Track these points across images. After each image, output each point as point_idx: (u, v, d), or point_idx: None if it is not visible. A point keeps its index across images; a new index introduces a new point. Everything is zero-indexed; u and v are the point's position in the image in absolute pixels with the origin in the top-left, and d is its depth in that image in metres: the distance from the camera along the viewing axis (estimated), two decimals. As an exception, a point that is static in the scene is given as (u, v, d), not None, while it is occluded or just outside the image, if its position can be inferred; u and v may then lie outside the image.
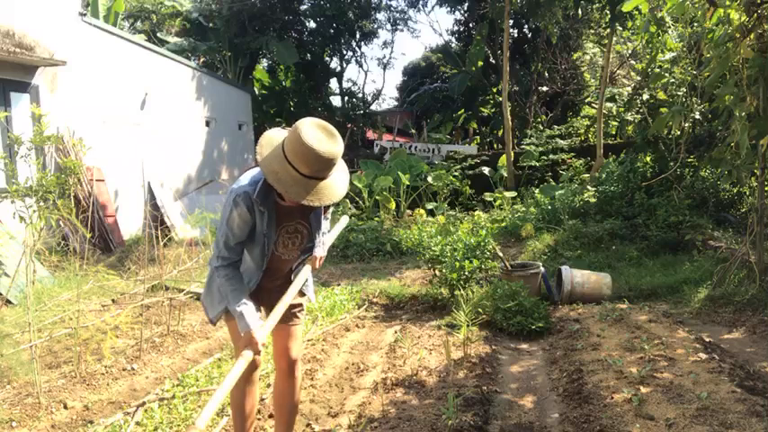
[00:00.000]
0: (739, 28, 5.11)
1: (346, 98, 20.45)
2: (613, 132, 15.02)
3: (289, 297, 2.59)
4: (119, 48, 10.30)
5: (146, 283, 5.58)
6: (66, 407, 3.64)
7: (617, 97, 13.28)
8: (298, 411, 2.99)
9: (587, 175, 11.77)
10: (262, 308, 2.84)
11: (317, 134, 2.34)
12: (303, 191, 2.34)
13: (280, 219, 2.59)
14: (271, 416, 3.52)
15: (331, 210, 2.93)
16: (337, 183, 2.45)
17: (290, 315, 2.77)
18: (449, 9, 18.41)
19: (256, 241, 2.57)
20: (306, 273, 2.75)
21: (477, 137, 19.66)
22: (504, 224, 10.18)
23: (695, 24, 7.17)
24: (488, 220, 10.60)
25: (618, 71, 14.18)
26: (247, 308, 2.49)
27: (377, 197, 12.05)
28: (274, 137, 2.48)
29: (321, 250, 2.81)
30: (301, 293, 2.85)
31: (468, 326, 4.49)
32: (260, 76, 18.90)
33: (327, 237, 2.91)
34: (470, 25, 18.45)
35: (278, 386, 2.88)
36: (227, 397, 3.52)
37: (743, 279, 5.79)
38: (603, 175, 10.34)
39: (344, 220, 3.32)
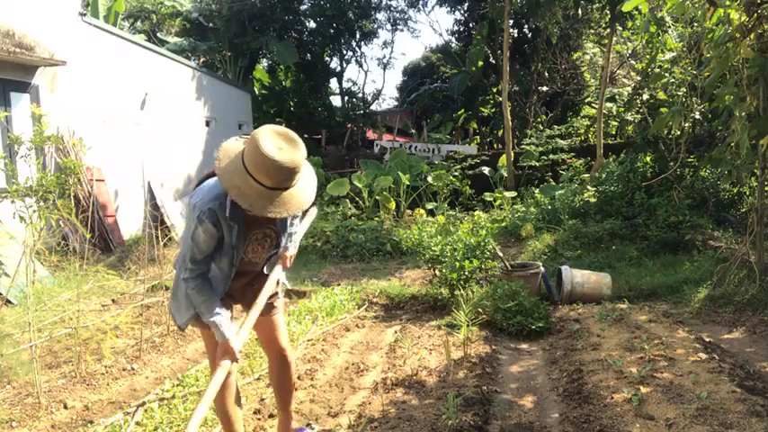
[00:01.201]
0: (739, 28, 5.10)
1: (346, 98, 20.47)
2: (613, 132, 15.02)
3: (261, 301, 2.54)
4: (119, 48, 10.30)
5: (146, 283, 5.58)
6: (66, 407, 3.64)
7: (617, 97, 13.28)
8: (294, 394, 3.09)
9: (587, 175, 11.77)
10: (237, 305, 2.85)
11: (277, 143, 2.24)
12: (268, 203, 2.24)
13: (249, 229, 2.52)
14: (271, 416, 3.53)
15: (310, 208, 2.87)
16: (303, 190, 2.36)
17: (268, 307, 2.72)
18: (449, 9, 18.42)
19: (224, 252, 2.49)
20: (277, 273, 2.68)
21: (477, 137, 19.66)
22: (504, 224, 10.18)
23: (695, 24, 7.17)
24: (488, 220, 10.59)
25: (618, 71, 14.18)
26: (221, 318, 2.43)
27: (377, 197, 12.05)
28: (233, 147, 2.35)
29: (292, 248, 2.76)
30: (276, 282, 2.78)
31: (468, 326, 4.49)
32: (260, 76, 18.91)
33: (297, 234, 2.84)
34: (470, 25, 18.45)
35: (271, 374, 2.99)
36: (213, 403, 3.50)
37: (743, 279, 5.79)
38: (603, 175, 10.34)
39: (313, 213, 3.17)
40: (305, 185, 2.38)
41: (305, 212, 3.06)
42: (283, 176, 2.23)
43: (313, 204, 2.70)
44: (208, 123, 13.41)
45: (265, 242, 2.63)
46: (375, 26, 19.69)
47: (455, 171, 13.03)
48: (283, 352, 2.85)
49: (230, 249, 2.48)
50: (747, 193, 8.70)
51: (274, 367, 2.92)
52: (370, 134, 20.78)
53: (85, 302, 5.61)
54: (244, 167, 2.24)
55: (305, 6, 18.17)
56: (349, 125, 19.08)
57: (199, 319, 2.58)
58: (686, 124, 7.94)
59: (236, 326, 2.51)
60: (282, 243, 2.72)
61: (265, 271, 2.73)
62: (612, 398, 3.46)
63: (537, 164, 13.10)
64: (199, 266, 2.47)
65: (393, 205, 11.84)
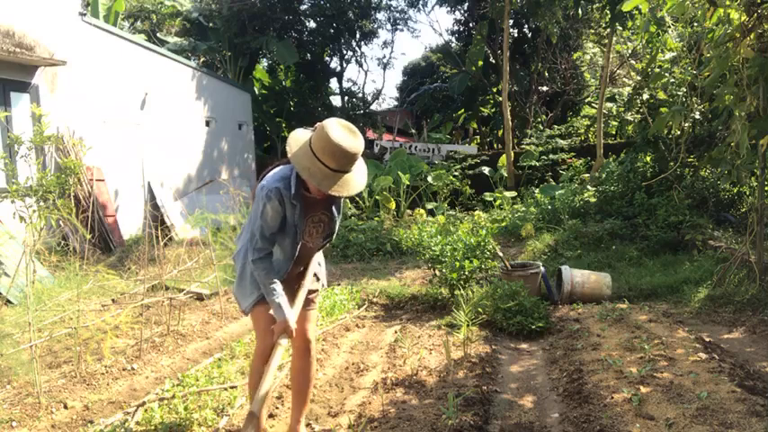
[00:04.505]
0: (739, 28, 5.10)
1: (346, 98, 20.45)
2: (613, 132, 15.02)
3: (308, 282, 2.94)
4: (119, 48, 10.30)
5: (146, 283, 5.58)
6: (66, 407, 3.64)
7: (617, 97, 13.29)
8: (312, 386, 3.24)
9: (587, 174, 11.78)
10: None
11: (342, 132, 2.61)
12: (332, 183, 2.61)
13: (307, 210, 2.87)
14: (271, 415, 3.53)
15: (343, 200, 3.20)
16: (358, 175, 2.74)
17: (307, 301, 3.04)
18: (449, 9, 18.42)
19: (287, 232, 2.83)
20: (315, 261, 3.05)
21: (477, 137, 19.67)
22: (504, 224, 10.18)
23: (695, 24, 7.16)
24: (488, 219, 10.59)
25: (618, 71, 14.18)
26: (284, 299, 2.77)
27: (377, 197, 12.05)
28: (300, 137, 2.76)
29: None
30: (316, 278, 3.15)
31: (468, 326, 4.49)
32: (260, 76, 18.90)
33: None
34: (470, 25, 18.45)
35: (295, 364, 3.17)
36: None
37: (743, 279, 5.79)
38: (603, 175, 10.34)
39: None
40: (360, 171, 2.77)
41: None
42: (346, 161, 2.60)
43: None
44: (208, 123, 13.41)
45: (320, 226, 2.97)
46: (375, 26, 19.68)
47: (455, 171, 13.03)
48: (309, 344, 3.12)
49: (293, 228, 2.82)
50: (747, 193, 8.70)
51: (299, 356, 3.15)
52: (370, 134, 20.77)
53: (85, 302, 5.61)
54: (312, 152, 2.61)
55: (305, 6, 18.16)
56: (349, 125, 19.04)
57: (259, 303, 2.91)
58: (686, 124, 7.93)
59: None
60: (333, 230, 3.04)
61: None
62: (612, 398, 3.46)
63: (537, 164, 13.10)
64: (266, 245, 2.79)
65: (393, 205, 11.84)
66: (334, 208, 2.97)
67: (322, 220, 2.96)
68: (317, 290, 3.19)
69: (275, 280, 2.78)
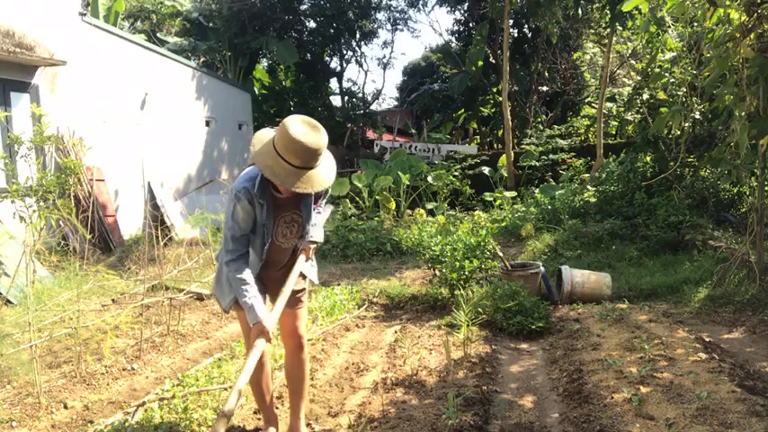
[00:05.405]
0: (739, 28, 5.10)
1: (346, 98, 20.46)
2: (613, 132, 15.03)
3: (289, 285, 2.84)
4: (119, 48, 10.30)
5: (146, 282, 5.58)
6: (66, 407, 3.64)
7: (617, 97, 13.29)
8: (308, 383, 3.28)
9: (587, 174, 11.78)
10: (267, 295, 3.08)
11: (303, 128, 2.59)
12: (295, 180, 2.58)
13: (277, 210, 2.84)
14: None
15: (324, 201, 3.19)
16: (325, 171, 2.70)
17: (295, 300, 3.04)
18: (449, 9, 18.44)
19: (257, 232, 2.81)
20: (301, 261, 2.99)
21: (477, 137, 19.67)
22: (504, 224, 10.18)
23: (695, 24, 7.16)
24: (488, 219, 10.59)
25: (618, 71, 14.18)
26: (256, 300, 2.70)
27: (377, 197, 12.05)
28: (265, 135, 2.74)
29: (317, 235, 3.07)
30: (303, 277, 3.10)
31: (468, 326, 4.49)
32: (260, 76, 18.91)
33: (317, 226, 3.13)
34: (470, 25, 18.46)
35: (289, 363, 3.19)
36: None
37: (743, 279, 5.79)
38: (603, 175, 10.34)
39: (329, 208, 3.48)
40: (326, 167, 2.73)
41: (323, 197, 3.31)
42: (308, 157, 2.56)
43: (328, 202, 3.08)
44: (208, 123, 13.41)
45: (293, 226, 2.94)
46: (375, 26, 19.69)
47: (455, 171, 13.03)
48: (301, 340, 3.12)
49: (261, 228, 2.80)
50: (747, 193, 8.70)
51: (292, 354, 3.16)
52: (370, 134, 20.77)
53: (85, 302, 5.61)
54: (275, 150, 2.59)
55: (305, 6, 18.18)
56: (349, 125, 19.07)
57: (238, 303, 2.87)
58: (686, 124, 7.93)
59: (267, 310, 2.78)
60: (307, 230, 3.00)
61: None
62: (612, 398, 3.46)
63: (537, 164, 13.11)
64: (238, 246, 2.78)
65: (393, 205, 11.83)
66: (303, 207, 2.92)
67: (295, 221, 2.92)
68: (304, 288, 3.15)
69: (248, 281, 2.72)
